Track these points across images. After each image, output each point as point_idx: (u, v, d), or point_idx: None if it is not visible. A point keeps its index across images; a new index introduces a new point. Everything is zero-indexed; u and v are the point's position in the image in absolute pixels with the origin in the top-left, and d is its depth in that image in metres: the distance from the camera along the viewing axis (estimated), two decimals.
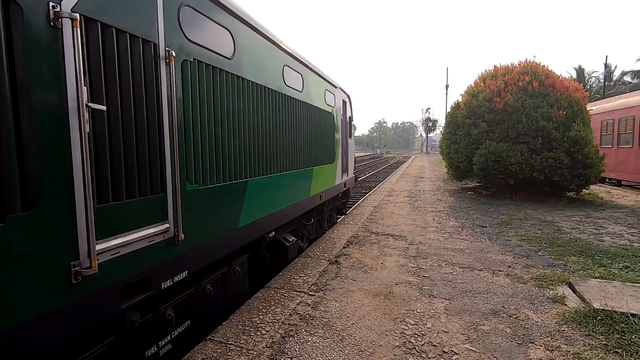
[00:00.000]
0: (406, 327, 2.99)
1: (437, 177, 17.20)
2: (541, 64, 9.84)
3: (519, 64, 10.09)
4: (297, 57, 5.26)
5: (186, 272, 2.90)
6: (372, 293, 3.71)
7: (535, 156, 8.70)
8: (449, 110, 11.33)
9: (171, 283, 2.75)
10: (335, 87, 7.80)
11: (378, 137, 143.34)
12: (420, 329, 2.96)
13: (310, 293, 3.71)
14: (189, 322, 3.17)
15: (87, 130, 2.00)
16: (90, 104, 2.01)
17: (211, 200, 3.10)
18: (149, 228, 2.50)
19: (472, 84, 10.63)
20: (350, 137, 10.07)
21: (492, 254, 4.92)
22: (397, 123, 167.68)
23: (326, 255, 5.01)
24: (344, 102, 8.99)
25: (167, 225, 2.63)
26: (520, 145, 8.94)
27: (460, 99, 11.02)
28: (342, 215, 8.99)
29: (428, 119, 68.73)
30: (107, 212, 2.14)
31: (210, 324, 3.33)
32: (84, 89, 1.95)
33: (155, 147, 2.50)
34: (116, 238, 2.22)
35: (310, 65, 5.87)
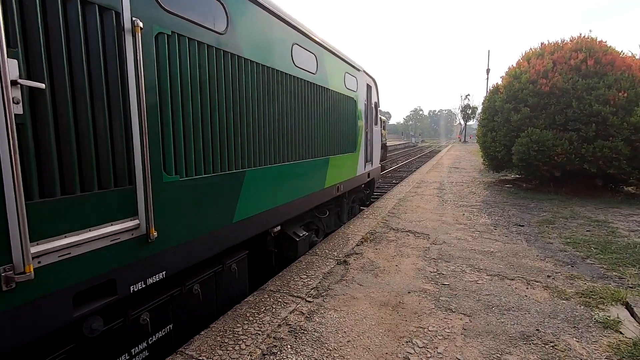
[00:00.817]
0: (412, 351, 2.48)
1: (473, 167, 16.04)
2: (598, 40, 8.56)
3: (570, 40, 8.85)
4: (310, 35, 4.75)
5: (163, 273, 2.57)
6: (379, 302, 3.21)
7: (586, 145, 7.62)
8: (486, 95, 10.29)
9: (144, 286, 2.43)
10: (358, 70, 7.19)
11: (414, 126, 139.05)
12: (428, 355, 2.43)
13: (308, 299, 3.28)
14: (171, 326, 2.87)
15: (15, 112, 1.68)
16: (21, 81, 1.67)
17: (197, 193, 2.76)
18: (111, 225, 2.17)
19: (514, 65, 9.52)
20: (375, 124, 9.45)
21: (529, 260, 4.21)
22: (435, 111, 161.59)
23: (335, 253, 4.55)
24: (369, 87, 8.37)
25: (136, 222, 2.30)
26: (569, 133, 7.87)
27: (500, 82, 9.95)
28: (365, 208, 8.45)
29: (467, 106, 65.22)
30: (52, 207, 1.83)
31: (200, 327, 3.02)
32: (9, 62, 1.61)
33: (118, 135, 2.15)
34: (65, 237, 1.91)
35: (326, 46, 5.34)
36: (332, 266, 4.10)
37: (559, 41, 9.04)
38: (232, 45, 3.15)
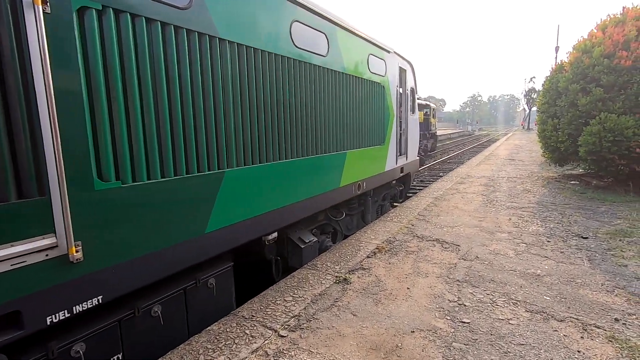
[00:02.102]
0: None
1: (533, 159, 14.10)
2: None
3: None
4: (316, 11, 4.05)
5: (99, 298, 2.11)
6: (370, 344, 2.48)
7: None
8: (548, 75, 8.69)
9: (69, 315, 1.99)
10: (388, 52, 6.30)
11: (471, 113, 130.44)
12: None
13: (283, 332, 2.65)
14: (119, 356, 2.44)
15: None
16: None
17: (150, 202, 2.29)
18: (13, 246, 1.74)
19: (585, 37, 7.84)
20: (413, 112, 8.44)
21: (589, 290, 3.16)
22: (495, 96, 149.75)
23: (338, 267, 3.85)
24: (402, 71, 7.40)
25: (52, 240, 1.86)
26: None
27: (565, 60, 8.31)
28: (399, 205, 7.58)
29: (532, 90, 59.01)
30: None
31: (161, 354, 2.57)
32: None
33: (20, 134, 1.75)
34: None
35: (340, 23, 4.59)
36: (328, 285, 3.41)
37: None
38: (201, 22, 2.58)
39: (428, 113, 23.74)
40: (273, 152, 3.40)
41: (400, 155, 7.46)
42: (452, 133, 50.77)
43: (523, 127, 61.21)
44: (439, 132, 45.33)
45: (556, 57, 33.12)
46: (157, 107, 2.29)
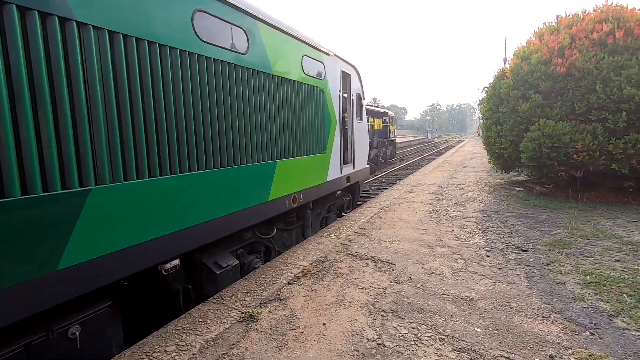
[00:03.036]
0: None
1: (483, 166, 14.34)
2: (629, 8, 6.86)
3: (594, 10, 7.18)
4: (228, 1, 3.50)
5: None
6: None
7: (615, 140, 6.00)
8: (491, 81, 8.70)
9: None
10: (327, 54, 5.85)
11: (431, 121, 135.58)
12: None
13: None
14: None
15: None
16: None
17: None
18: None
19: (524, 44, 7.90)
20: (360, 119, 8.07)
21: (525, 317, 2.78)
22: (453, 105, 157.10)
23: (249, 299, 3.24)
24: (346, 76, 7.01)
25: None
26: (592, 124, 6.25)
27: (506, 66, 8.34)
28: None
29: (484, 101, 62.20)
30: None
31: None
32: None
33: None
34: None
35: (263, 18, 4.06)
36: (228, 325, 2.80)
37: (579, 12, 7.37)
38: (69, 9, 1.97)
39: (387, 121, 23.89)
40: (170, 163, 2.79)
41: (346, 163, 7.04)
42: (413, 140, 52.09)
43: (478, 134, 64.30)
44: (400, 140, 46.38)
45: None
46: None
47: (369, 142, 19.04)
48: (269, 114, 4.14)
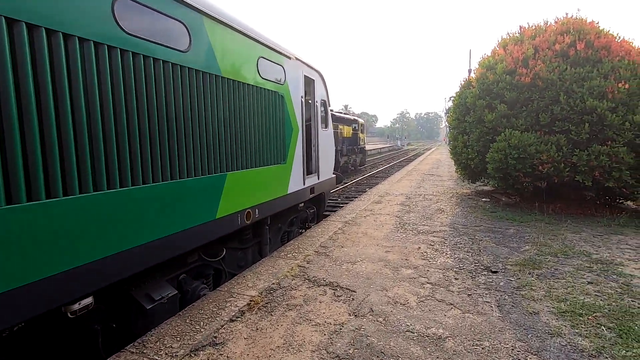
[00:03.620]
0: None
1: (450, 174, 14.39)
2: (588, 21, 6.93)
3: (555, 22, 7.22)
4: None
5: None
6: None
7: (579, 151, 5.93)
8: (457, 90, 8.60)
9: None
10: (288, 57, 5.40)
11: (400, 129, 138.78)
12: None
13: None
14: None
15: None
16: None
17: None
18: None
19: (489, 54, 7.84)
20: (325, 127, 7.67)
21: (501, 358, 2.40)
22: (421, 114, 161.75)
23: (177, 345, 2.66)
24: (309, 81, 6.60)
25: None
26: (556, 135, 6.18)
27: (472, 75, 8.26)
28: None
29: (450, 110, 64.44)
30: None
31: None
32: None
33: None
34: None
35: (209, 13, 3.54)
36: None
37: (541, 23, 7.40)
38: None
39: (357, 128, 23.76)
40: (80, 179, 2.20)
41: (309, 174, 6.59)
42: (383, 148, 52.71)
43: (445, 142, 66.33)
44: (370, 147, 46.72)
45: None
46: None
47: (338, 150, 18.90)
48: (217, 121, 3.61)
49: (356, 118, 25.08)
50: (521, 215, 6.60)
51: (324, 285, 3.72)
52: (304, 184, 6.19)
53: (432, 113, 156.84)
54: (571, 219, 6.23)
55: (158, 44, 2.89)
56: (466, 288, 3.56)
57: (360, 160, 24.84)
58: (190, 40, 3.29)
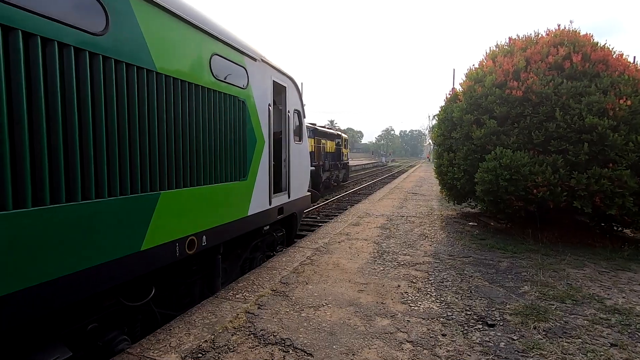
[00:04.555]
0: None
1: (434, 193, 13.76)
2: (582, 33, 6.45)
3: (547, 34, 6.71)
4: None
5: None
6: None
7: (577, 174, 5.28)
8: (442, 105, 7.97)
9: None
10: (253, 59, 4.62)
11: (385, 145, 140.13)
12: None
13: None
14: None
15: None
16: None
17: None
18: None
19: (476, 66, 7.27)
20: (299, 139, 6.87)
21: None
22: (405, 131, 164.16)
23: None
24: (281, 88, 5.83)
25: None
26: (552, 155, 5.54)
27: (458, 88, 7.67)
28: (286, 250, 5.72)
29: (434, 127, 65.53)
30: None
31: None
32: None
33: None
34: None
35: None
36: None
37: (532, 35, 6.89)
38: None
39: (340, 143, 23.15)
40: None
41: (278, 192, 5.74)
42: (367, 164, 52.47)
43: (428, 160, 66.95)
44: (355, 163, 46.28)
45: None
46: None
47: (320, 165, 18.14)
48: (146, 126, 2.75)
49: (340, 133, 24.53)
50: (513, 244, 5.87)
51: (273, 344, 2.81)
52: (270, 204, 5.33)
53: (416, 131, 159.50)
54: (569, 250, 5.53)
55: (57, 21, 2.06)
56: (457, 351, 2.71)
57: (344, 176, 24.15)
58: (107, 21, 2.44)
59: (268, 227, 5.66)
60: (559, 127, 5.48)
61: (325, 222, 10.32)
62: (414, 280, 4.25)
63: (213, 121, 3.70)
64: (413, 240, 6.24)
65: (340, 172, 23.05)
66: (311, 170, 16.65)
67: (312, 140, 17.07)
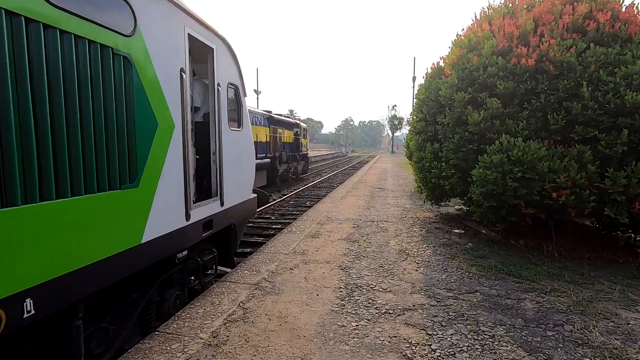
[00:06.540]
0: None
1: (402, 188, 12.39)
2: None
3: None
4: None
5: None
6: None
7: (613, 171, 3.89)
8: (421, 81, 6.35)
9: None
10: None
11: (345, 136, 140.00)
12: None
13: None
14: None
15: None
16: None
17: None
18: None
19: (466, 30, 5.71)
20: (239, 125, 4.93)
21: None
22: (365, 121, 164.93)
23: None
24: (206, 50, 3.92)
25: None
26: (577, 146, 4.10)
27: (441, 62, 6.07)
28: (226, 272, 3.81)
29: (394, 117, 65.86)
30: None
31: None
32: None
33: None
34: None
35: None
36: None
37: None
38: None
39: (298, 133, 21.25)
40: None
41: (203, 199, 3.87)
42: (327, 154, 51.04)
43: (388, 150, 67.17)
44: (315, 154, 44.51)
45: (413, 87, 35.72)
46: None
47: (277, 157, 16.16)
48: None
49: (298, 122, 22.63)
50: (521, 263, 4.43)
51: None
52: (188, 218, 3.44)
53: (375, 121, 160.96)
54: (594, 270, 4.18)
55: None
56: None
57: (303, 168, 22.37)
58: None
59: (185, 252, 3.72)
60: (586, 108, 4.04)
61: (281, 223, 8.53)
62: (409, 353, 2.56)
63: (53, 87, 1.76)
64: (391, 260, 4.60)
65: (299, 164, 21.25)
66: (266, 163, 14.67)
67: (268, 129, 15.10)
